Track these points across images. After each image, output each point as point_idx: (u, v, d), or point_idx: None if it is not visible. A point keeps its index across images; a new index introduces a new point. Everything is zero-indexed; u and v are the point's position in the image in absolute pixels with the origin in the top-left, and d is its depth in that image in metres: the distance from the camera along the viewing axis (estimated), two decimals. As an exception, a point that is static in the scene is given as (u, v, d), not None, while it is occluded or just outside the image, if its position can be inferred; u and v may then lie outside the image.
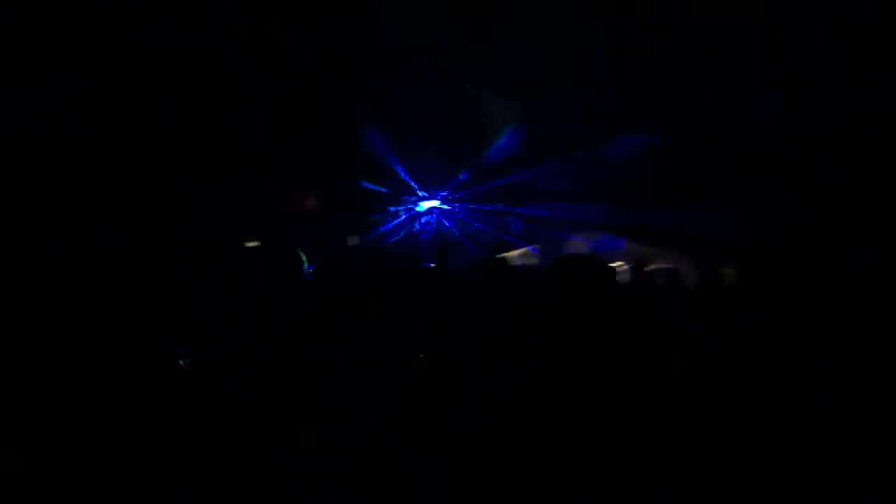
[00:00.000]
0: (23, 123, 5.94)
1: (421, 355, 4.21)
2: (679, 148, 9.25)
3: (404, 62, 9.00)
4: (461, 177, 12.18)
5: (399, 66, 9.05)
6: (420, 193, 12.61)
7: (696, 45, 8.19)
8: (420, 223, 12.86)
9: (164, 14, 7.06)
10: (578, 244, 10.71)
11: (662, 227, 9.83)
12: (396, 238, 12.55)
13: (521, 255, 11.52)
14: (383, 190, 11.97)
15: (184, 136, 8.04)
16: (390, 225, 12.66)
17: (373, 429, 3.69)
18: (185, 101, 7.86)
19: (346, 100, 9.63)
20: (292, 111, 9.29)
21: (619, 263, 8.02)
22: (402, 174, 11.85)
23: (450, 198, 12.75)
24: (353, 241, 11.15)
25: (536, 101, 9.73)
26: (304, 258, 4.11)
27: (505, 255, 11.12)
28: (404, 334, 4.87)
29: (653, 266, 8.97)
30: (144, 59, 7.13)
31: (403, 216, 12.81)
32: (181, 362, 3.77)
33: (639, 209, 10.30)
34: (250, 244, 8.56)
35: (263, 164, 9.26)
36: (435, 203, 12.82)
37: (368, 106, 9.98)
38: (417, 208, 12.81)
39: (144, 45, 6.99)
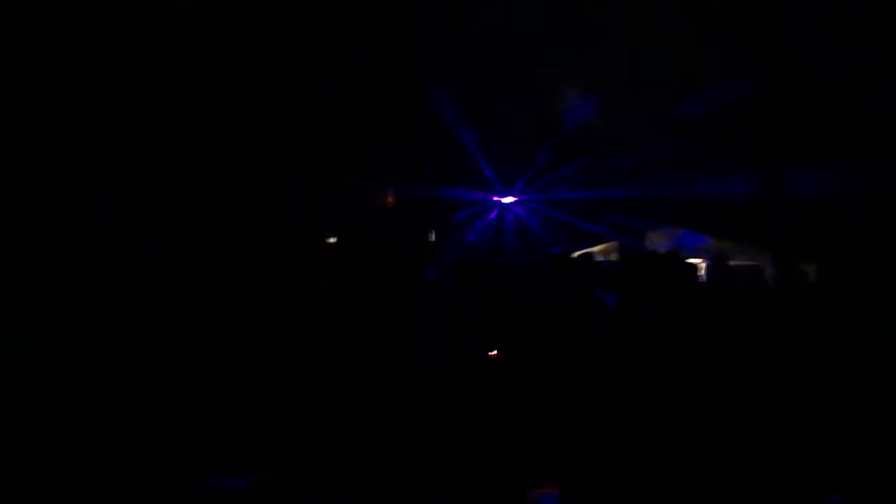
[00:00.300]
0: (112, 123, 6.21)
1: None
2: (763, 143, 8.99)
3: (487, 57, 9.07)
4: (541, 172, 12.15)
5: (482, 60, 9.13)
6: (501, 188, 12.65)
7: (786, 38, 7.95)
8: (499, 218, 12.91)
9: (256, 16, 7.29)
10: (659, 239, 10.51)
11: (745, 223, 9.55)
12: (475, 234, 12.64)
13: (603, 251, 11.41)
14: (462, 185, 12.07)
15: (271, 136, 8.35)
16: (470, 220, 12.76)
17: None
18: (271, 100, 8.15)
19: (426, 96, 9.78)
20: (375, 110, 9.50)
21: (699, 260, 7.86)
22: (483, 168, 11.92)
23: (529, 193, 12.74)
24: (431, 237, 11.30)
25: (620, 96, 9.63)
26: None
27: (587, 250, 11.04)
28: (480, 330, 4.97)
29: (733, 263, 8.73)
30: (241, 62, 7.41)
31: (483, 210, 12.89)
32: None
33: (721, 205, 10.06)
34: (331, 240, 8.84)
35: (344, 163, 9.52)
36: (513, 199, 12.84)
37: (449, 102, 10.10)
38: (497, 202, 12.87)
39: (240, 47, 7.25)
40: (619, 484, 3.51)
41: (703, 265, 7.77)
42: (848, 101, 8.26)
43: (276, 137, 8.32)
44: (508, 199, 12.89)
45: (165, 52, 6.63)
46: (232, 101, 7.54)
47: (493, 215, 13.02)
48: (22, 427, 3.54)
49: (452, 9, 8.37)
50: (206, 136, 7.07)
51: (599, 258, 10.71)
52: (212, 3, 6.98)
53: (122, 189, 5.75)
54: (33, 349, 3.99)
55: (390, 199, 10.51)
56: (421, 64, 9.11)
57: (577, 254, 10.35)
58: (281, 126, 8.34)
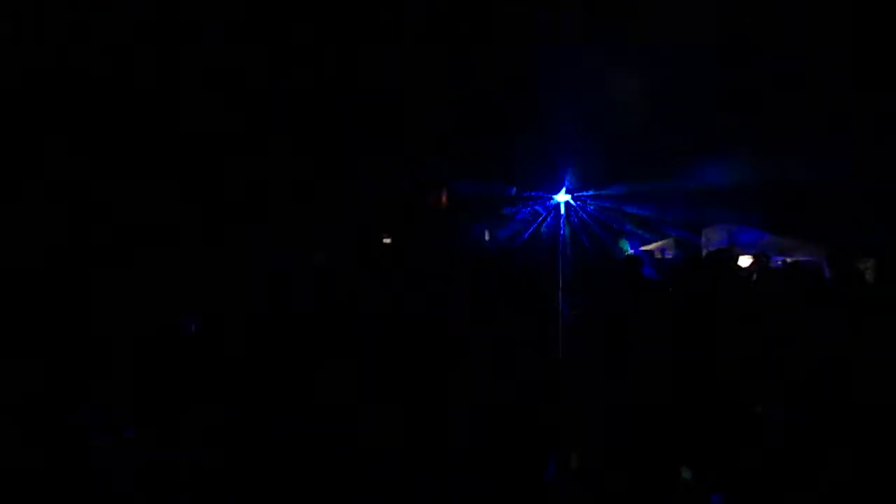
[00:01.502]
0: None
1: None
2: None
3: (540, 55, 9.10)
4: (596, 170, 12.07)
5: (535, 60, 9.16)
6: (554, 188, 12.60)
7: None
8: (553, 218, 12.86)
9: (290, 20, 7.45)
10: (715, 235, 10.32)
11: (806, 220, 9.33)
12: (529, 234, 12.62)
13: (660, 249, 11.28)
14: (517, 183, 12.09)
15: (324, 141, 8.55)
16: (523, 221, 12.75)
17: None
18: (318, 103, 8.33)
19: (479, 95, 9.84)
20: (425, 110, 9.62)
21: (755, 258, 7.70)
22: (539, 170, 11.91)
23: (582, 192, 12.66)
24: (486, 236, 11.35)
25: (676, 97, 9.55)
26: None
27: (644, 248, 10.94)
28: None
29: (794, 260, 8.51)
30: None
31: (534, 211, 12.85)
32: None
33: (782, 203, 9.84)
34: (386, 240, 9.00)
35: (397, 163, 9.67)
36: (567, 197, 12.76)
37: (504, 102, 10.15)
38: (549, 202, 12.81)
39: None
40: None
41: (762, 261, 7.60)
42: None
43: (331, 140, 8.51)
44: (565, 198, 12.82)
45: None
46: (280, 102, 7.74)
47: (550, 214, 12.98)
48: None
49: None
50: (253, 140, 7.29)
51: (657, 255, 10.60)
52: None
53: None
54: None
55: (443, 200, 10.61)
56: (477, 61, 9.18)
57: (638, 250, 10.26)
58: (336, 128, 8.53)
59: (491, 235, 11.49)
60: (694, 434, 3.75)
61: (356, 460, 3.70)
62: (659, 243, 11.38)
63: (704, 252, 9.64)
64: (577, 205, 12.80)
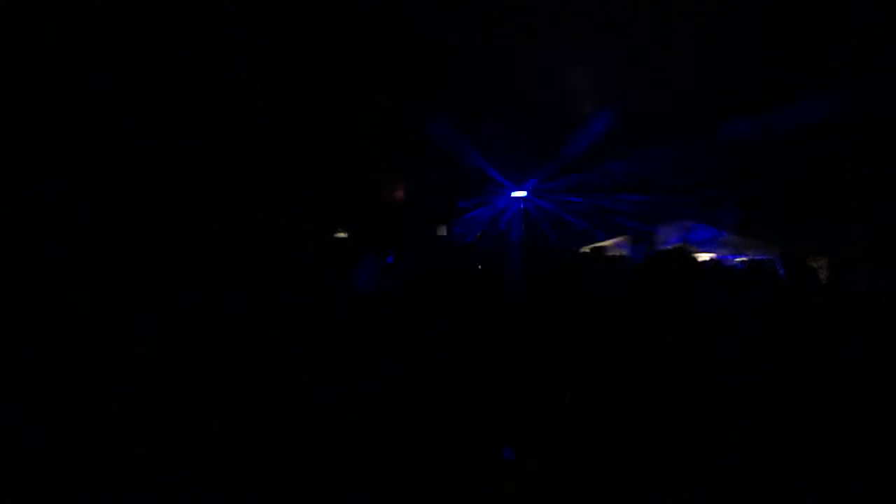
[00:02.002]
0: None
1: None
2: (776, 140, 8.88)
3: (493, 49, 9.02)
4: (552, 167, 12.06)
5: (488, 53, 9.08)
6: (509, 183, 12.58)
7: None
8: (508, 213, 12.85)
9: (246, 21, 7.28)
10: (670, 233, 10.41)
11: (756, 218, 9.46)
12: (483, 229, 12.58)
13: (614, 247, 11.33)
14: (471, 180, 12.01)
15: (278, 134, 8.33)
16: (478, 215, 12.70)
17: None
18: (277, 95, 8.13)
19: (435, 89, 9.72)
20: (380, 103, 9.46)
21: (712, 256, 7.76)
22: (491, 164, 11.85)
23: (540, 188, 12.66)
24: (441, 231, 11.27)
25: (631, 92, 9.58)
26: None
27: (597, 245, 10.97)
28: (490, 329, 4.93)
29: (748, 258, 8.59)
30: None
31: (491, 206, 12.82)
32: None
33: (738, 200, 9.95)
34: (340, 235, 8.82)
35: (354, 158, 9.49)
36: (523, 193, 12.76)
37: (459, 95, 10.05)
38: (506, 197, 12.80)
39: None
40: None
41: (716, 259, 7.67)
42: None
43: (281, 133, 8.30)
44: (521, 194, 12.81)
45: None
46: (236, 95, 7.53)
47: (508, 210, 12.96)
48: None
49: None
50: (210, 132, 7.06)
51: (613, 252, 10.63)
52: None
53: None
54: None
55: (398, 194, 10.48)
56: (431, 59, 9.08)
57: (587, 248, 10.31)
58: (287, 121, 8.33)
59: (448, 231, 11.42)
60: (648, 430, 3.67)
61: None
62: (615, 240, 11.42)
63: (658, 249, 9.68)
64: (535, 201, 12.82)
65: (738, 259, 8.68)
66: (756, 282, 5.97)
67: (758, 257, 7.60)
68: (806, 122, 8.24)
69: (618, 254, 10.61)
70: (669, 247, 7.34)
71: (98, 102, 5.82)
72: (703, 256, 7.47)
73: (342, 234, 9.09)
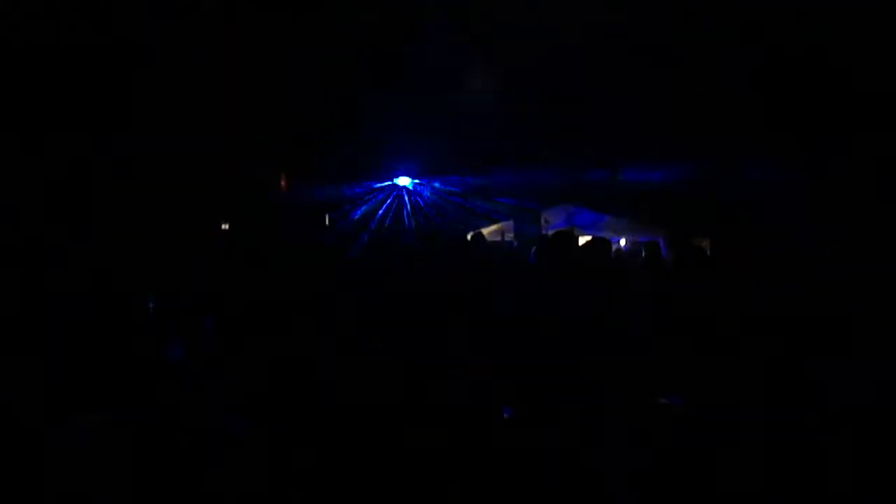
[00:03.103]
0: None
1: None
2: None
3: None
4: (436, 153, 12.09)
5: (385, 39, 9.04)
6: (395, 170, 12.52)
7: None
8: (393, 199, 12.79)
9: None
10: (554, 218, 10.70)
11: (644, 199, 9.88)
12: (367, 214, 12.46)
13: (497, 231, 11.49)
14: (356, 166, 11.85)
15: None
16: (364, 202, 12.57)
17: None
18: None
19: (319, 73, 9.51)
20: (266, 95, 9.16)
21: (594, 238, 8.02)
22: (380, 150, 11.74)
23: (423, 174, 12.67)
24: (326, 219, 11.06)
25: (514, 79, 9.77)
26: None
27: (480, 230, 11.08)
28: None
29: (630, 240, 9.01)
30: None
31: (378, 192, 12.71)
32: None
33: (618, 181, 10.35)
34: (224, 227, 8.44)
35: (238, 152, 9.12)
36: (408, 180, 12.73)
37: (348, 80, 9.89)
38: (391, 183, 12.73)
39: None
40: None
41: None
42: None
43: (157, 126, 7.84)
44: (405, 182, 12.76)
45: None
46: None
47: (390, 198, 12.87)
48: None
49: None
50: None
51: (496, 238, 10.80)
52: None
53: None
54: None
55: (283, 185, 10.17)
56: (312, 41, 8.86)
57: (470, 234, 10.39)
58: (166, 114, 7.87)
59: (331, 222, 11.21)
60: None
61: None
62: (497, 226, 11.61)
63: (543, 233, 9.95)
64: (418, 188, 12.81)
65: (620, 241, 9.08)
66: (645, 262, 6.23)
67: (641, 239, 7.97)
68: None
69: (500, 238, 10.82)
70: (556, 230, 7.52)
71: None
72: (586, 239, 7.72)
73: (225, 227, 8.70)
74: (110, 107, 6.97)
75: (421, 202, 12.77)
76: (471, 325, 4.23)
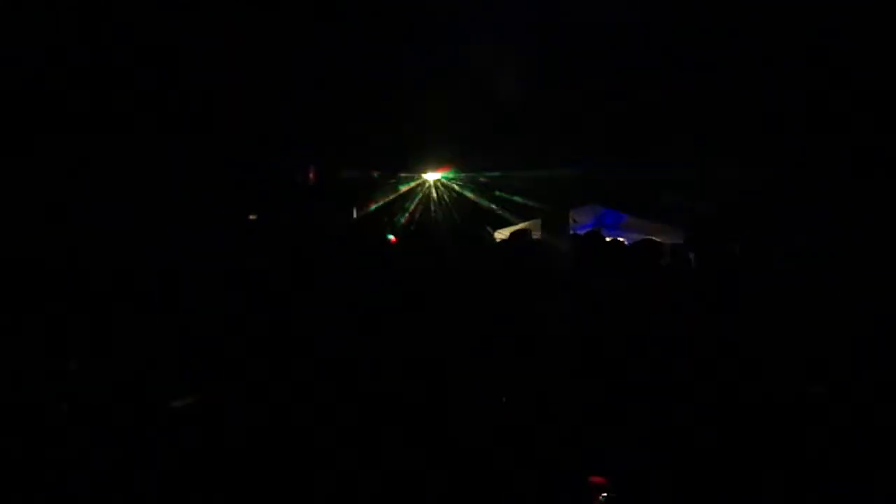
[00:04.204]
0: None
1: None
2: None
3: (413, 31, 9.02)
4: (466, 149, 12.11)
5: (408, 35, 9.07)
6: (424, 165, 12.56)
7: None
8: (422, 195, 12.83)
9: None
10: (582, 217, 10.65)
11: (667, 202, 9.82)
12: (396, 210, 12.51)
13: (522, 231, 11.45)
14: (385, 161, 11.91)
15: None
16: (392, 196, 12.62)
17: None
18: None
19: (350, 69, 9.57)
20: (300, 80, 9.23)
21: (620, 240, 7.97)
22: (405, 147, 11.78)
23: (452, 169, 12.69)
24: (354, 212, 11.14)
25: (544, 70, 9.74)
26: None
27: (506, 230, 11.06)
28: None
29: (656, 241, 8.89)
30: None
31: (406, 186, 12.76)
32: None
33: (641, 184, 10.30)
34: (252, 217, 8.52)
35: (263, 139, 9.20)
36: (437, 176, 12.76)
37: (372, 76, 9.93)
38: (417, 181, 12.77)
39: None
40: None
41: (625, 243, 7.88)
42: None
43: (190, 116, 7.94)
44: (434, 176, 12.79)
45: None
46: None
47: (418, 192, 12.92)
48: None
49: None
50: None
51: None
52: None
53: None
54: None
55: (311, 176, 10.24)
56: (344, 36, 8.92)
57: (501, 232, 10.37)
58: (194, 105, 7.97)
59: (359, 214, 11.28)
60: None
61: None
62: (525, 224, 11.57)
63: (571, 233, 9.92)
64: (446, 184, 12.84)
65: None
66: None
67: (667, 243, 7.88)
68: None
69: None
70: (586, 231, 7.47)
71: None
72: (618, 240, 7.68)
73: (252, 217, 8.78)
74: (137, 98, 7.08)
75: (448, 197, 12.80)
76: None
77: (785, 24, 7.68)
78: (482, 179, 12.64)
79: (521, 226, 10.86)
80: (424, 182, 12.84)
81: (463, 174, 12.73)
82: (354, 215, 11.63)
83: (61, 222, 5.33)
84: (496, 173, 12.45)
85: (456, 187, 12.87)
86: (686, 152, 9.77)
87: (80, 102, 6.42)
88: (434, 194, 12.83)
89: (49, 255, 4.52)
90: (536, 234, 11.18)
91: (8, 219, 5.07)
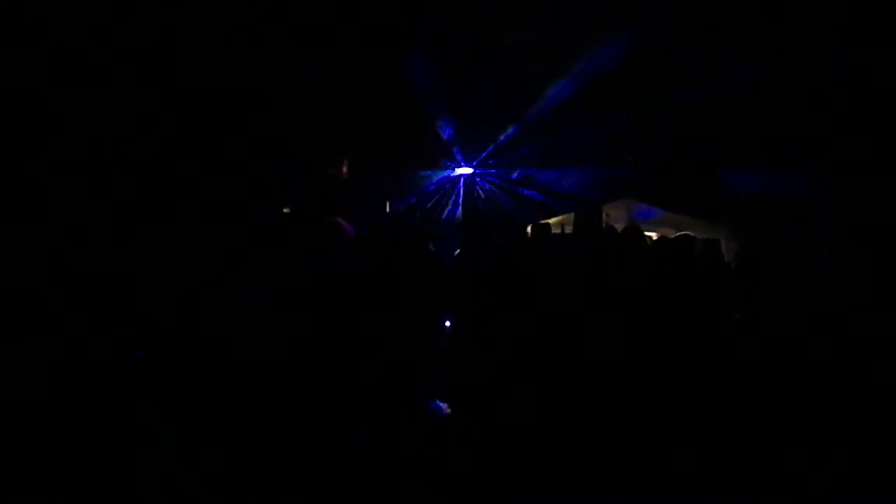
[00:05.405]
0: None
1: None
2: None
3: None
4: (497, 143, 12.09)
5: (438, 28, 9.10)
6: (456, 159, 12.55)
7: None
8: (454, 190, 12.84)
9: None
10: (616, 212, 10.55)
11: (700, 197, 9.70)
12: (429, 205, 12.53)
13: (558, 224, 11.40)
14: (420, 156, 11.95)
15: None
16: (425, 191, 12.64)
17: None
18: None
19: (381, 63, 9.61)
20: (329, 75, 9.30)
21: (653, 234, 7.90)
22: (439, 139, 11.81)
23: (486, 164, 12.67)
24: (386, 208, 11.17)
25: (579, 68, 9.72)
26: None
27: (543, 222, 11.00)
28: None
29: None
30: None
31: (437, 182, 12.78)
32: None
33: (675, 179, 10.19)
34: (286, 210, 8.61)
35: (297, 130, 9.30)
36: (468, 170, 12.75)
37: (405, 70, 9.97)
38: (452, 174, 12.77)
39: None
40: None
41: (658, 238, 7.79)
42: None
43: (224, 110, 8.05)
44: (466, 171, 12.79)
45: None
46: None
47: (450, 187, 12.93)
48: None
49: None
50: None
51: (556, 230, 10.70)
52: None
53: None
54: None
55: (344, 170, 10.30)
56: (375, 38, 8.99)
57: (531, 226, 10.32)
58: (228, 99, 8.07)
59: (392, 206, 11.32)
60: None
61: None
62: (558, 218, 11.51)
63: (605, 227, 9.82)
64: (479, 179, 12.82)
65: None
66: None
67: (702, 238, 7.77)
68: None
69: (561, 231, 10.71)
70: (620, 225, 7.42)
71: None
72: (651, 235, 7.61)
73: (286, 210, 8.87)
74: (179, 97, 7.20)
75: (480, 192, 12.79)
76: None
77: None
78: (515, 175, 12.61)
79: (554, 220, 10.82)
80: (457, 178, 12.84)
81: (495, 170, 12.71)
82: (387, 209, 11.68)
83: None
84: (529, 170, 12.42)
85: (488, 183, 12.86)
86: (730, 153, 9.68)
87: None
88: (465, 189, 12.83)
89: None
90: (569, 229, 11.13)
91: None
